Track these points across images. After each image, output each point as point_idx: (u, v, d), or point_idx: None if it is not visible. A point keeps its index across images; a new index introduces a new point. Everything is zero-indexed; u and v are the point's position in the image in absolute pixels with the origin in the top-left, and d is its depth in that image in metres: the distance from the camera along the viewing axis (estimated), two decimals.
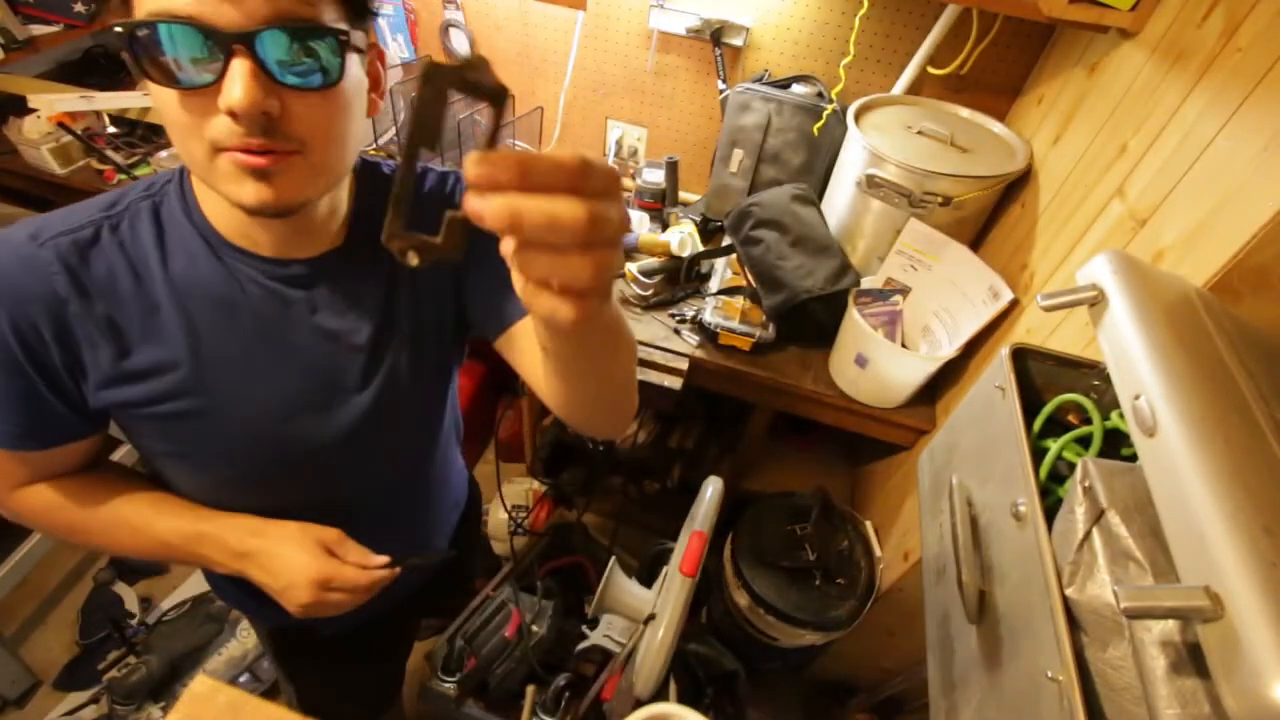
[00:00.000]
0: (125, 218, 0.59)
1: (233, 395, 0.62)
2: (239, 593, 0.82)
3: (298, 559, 0.65)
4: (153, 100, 0.51)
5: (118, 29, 0.47)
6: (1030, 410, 0.65)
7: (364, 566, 0.67)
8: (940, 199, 1.18)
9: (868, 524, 1.46)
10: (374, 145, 1.70)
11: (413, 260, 0.35)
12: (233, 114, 0.47)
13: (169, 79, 0.47)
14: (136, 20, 0.46)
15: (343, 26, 0.51)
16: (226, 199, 0.53)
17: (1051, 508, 0.57)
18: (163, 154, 1.47)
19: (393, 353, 0.68)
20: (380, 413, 0.69)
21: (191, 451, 0.65)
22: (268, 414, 0.64)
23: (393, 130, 1.68)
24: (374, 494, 0.78)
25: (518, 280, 0.35)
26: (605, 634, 1.19)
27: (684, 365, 1.34)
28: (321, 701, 1.00)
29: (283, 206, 0.53)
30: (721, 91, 1.52)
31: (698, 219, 1.60)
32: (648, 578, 1.17)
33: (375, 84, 0.59)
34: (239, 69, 0.46)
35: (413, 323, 0.69)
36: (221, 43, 0.46)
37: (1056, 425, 0.66)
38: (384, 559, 0.69)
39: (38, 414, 0.60)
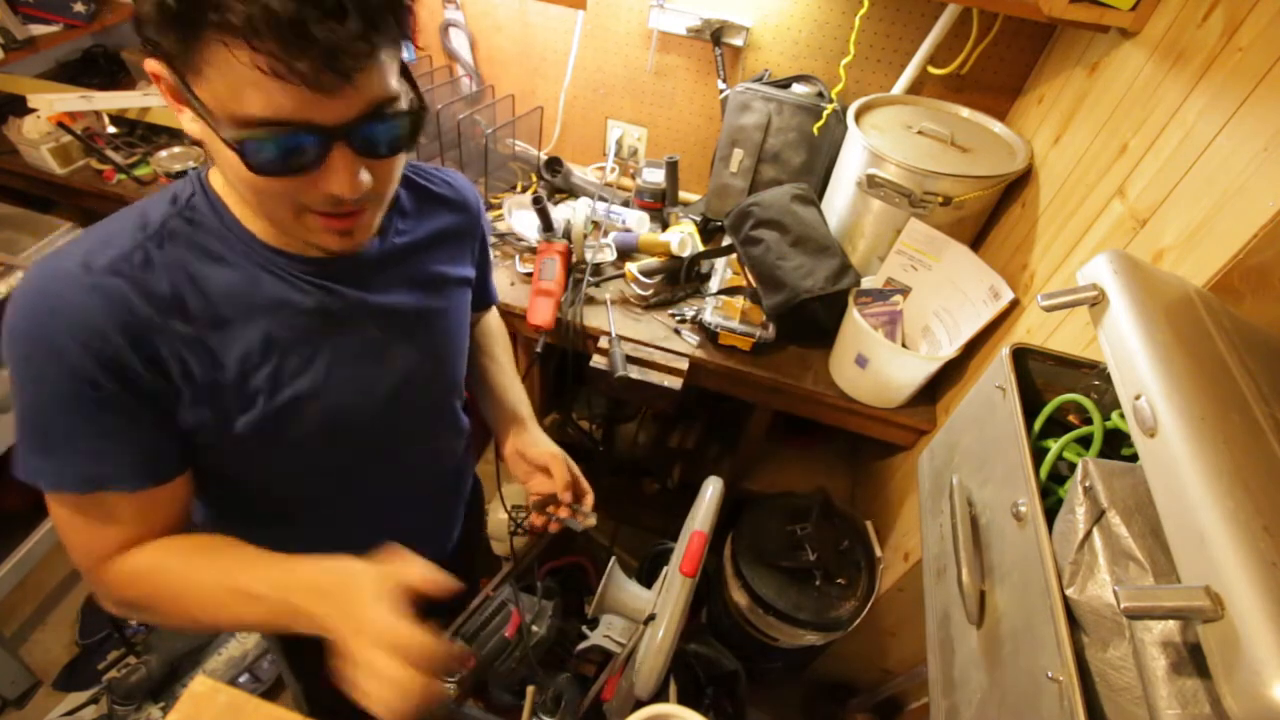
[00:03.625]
0: (164, 236, 0.58)
1: (315, 382, 0.65)
2: None
3: (372, 626, 0.54)
4: (232, 169, 0.51)
5: (226, 137, 0.48)
6: (1030, 410, 0.65)
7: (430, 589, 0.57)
8: (940, 199, 1.18)
9: (868, 524, 1.46)
10: None
11: None
12: (334, 198, 0.52)
13: (273, 170, 0.50)
14: (251, 133, 0.48)
15: (415, 102, 0.55)
16: (308, 244, 0.59)
17: (1052, 508, 0.57)
18: (162, 154, 1.47)
19: (434, 312, 0.76)
20: (432, 363, 0.77)
21: (279, 445, 0.66)
22: (349, 390, 0.68)
23: None
24: (421, 468, 0.86)
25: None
26: (605, 634, 1.19)
27: (684, 365, 1.34)
28: (329, 699, 0.99)
29: (360, 247, 0.60)
30: (721, 91, 1.52)
31: (698, 219, 1.60)
32: (648, 578, 1.17)
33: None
34: (341, 159, 0.51)
35: (442, 281, 0.76)
36: (325, 137, 0.50)
37: (1057, 425, 0.66)
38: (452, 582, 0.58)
39: (148, 447, 0.60)
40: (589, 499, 0.95)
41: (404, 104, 0.53)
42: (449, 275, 0.77)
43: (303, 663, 0.99)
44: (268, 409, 0.63)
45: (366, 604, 0.53)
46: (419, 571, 0.56)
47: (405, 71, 0.55)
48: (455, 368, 0.84)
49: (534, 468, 0.93)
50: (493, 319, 1.02)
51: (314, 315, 0.64)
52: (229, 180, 0.56)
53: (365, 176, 0.53)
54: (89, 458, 0.57)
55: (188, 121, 0.52)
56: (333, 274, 0.65)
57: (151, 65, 0.50)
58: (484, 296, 0.88)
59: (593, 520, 0.96)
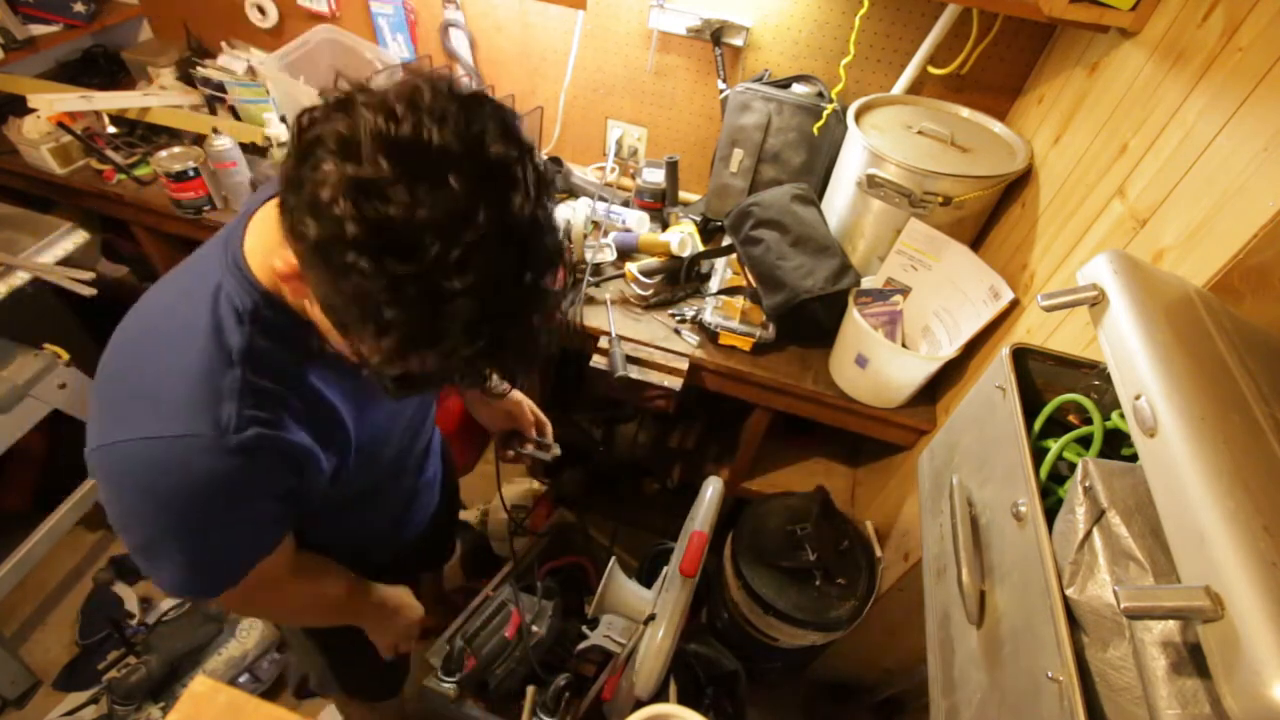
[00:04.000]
0: (254, 360, 0.60)
1: (371, 429, 0.76)
2: None
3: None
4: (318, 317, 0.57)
5: (373, 374, 0.55)
6: (1030, 410, 0.65)
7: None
8: (940, 199, 1.18)
9: (868, 524, 1.46)
10: None
11: None
12: None
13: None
14: (400, 379, 0.55)
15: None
16: None
17: (1052, 508, 0.57)
18: (162, 154, 1.47)
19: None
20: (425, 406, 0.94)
21: (355, 485, 0.78)
22: (386, 433, 0.83)
23: None
24: (421, 458, 1.00)
25: None
26: (605, 634, 1.19)
27: (684, 365, 1.34)
28: (355, 665, 1.12)
29: None
30: (721, 91, 1.52)
31: (698, 219, 1.60)
32: (648, 578, 1.17)
33: None
34: None
35: None
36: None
37: (1057, 425, 0.66)
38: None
39: (284, 520, 0.70)
40: (549, 429, 1.13)
41: None
42: None
43: (327, 638, 1.09)
44: (354, 466, 0.73)
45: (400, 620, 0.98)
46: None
47: None
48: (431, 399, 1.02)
49: (498, 412, 1.09)
50: None
51: (355, 374, 0.70)
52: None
53: None
54: (249, 554, 0.67)
55: (284, 266, 0.55)
56: None
57: (288, 269, 0.53)
58: None
59: (557, 450, 1.11)
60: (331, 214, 0.45)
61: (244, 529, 0.65)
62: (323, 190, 0.45)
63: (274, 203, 0.57)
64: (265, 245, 0.60)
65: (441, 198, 0.45)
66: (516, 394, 1.10)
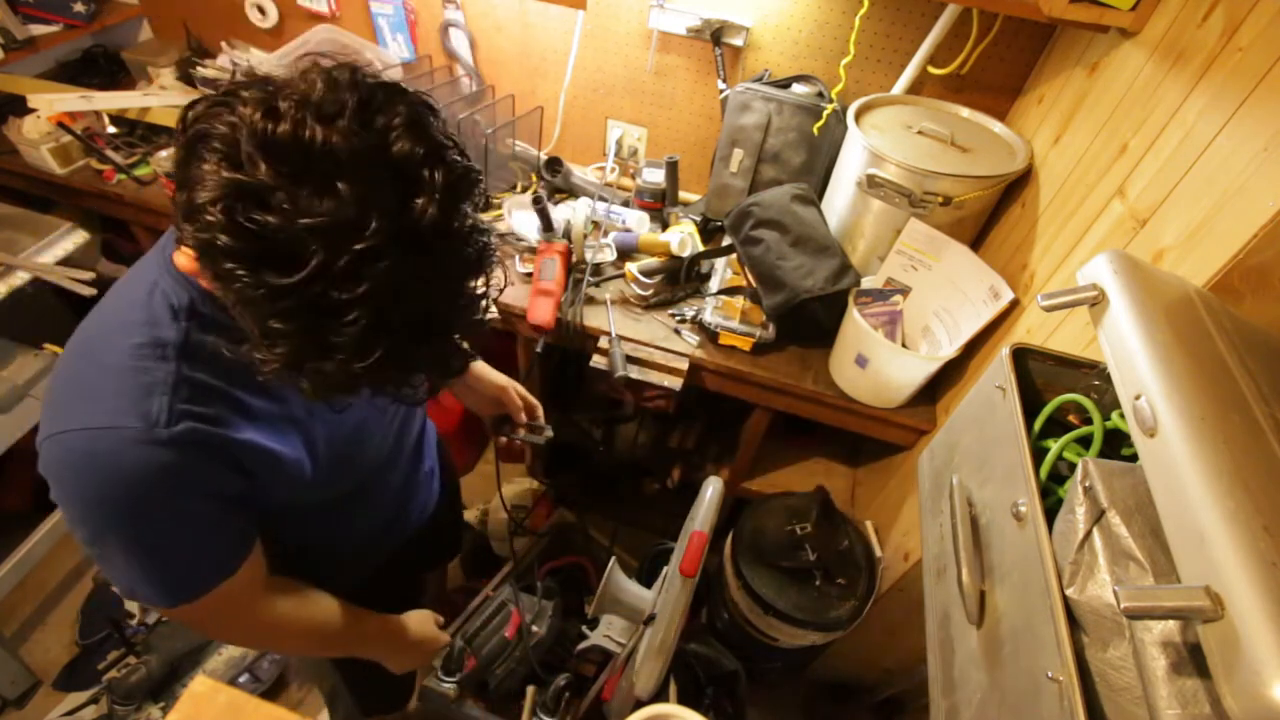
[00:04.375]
0: (190, 356, 0.58)
1: (345, 434, 0.74)
2: None
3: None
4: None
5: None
6: (1030, 410, 0.65)
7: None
8: (940, 199, 1.18)
9: (868, 524, 1.46)
10: None
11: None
12: None
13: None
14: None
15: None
16: None
17: (1052, 508, 0.57)
18: (162, 154, 1.47)
19: None
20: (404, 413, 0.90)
21: (336, 487, 0.77)
22: (363, 431, 0.79)
23: None
24: (415, 452, 0.99)
25: None
26: (605, 634, 1.19)
27: (684, 365, 1.34)
28: (370, 682, 1.09)
29: None
30: (721, 91, 1.52)
31: (698, 219, 1.60)
32: (648, 578, 1.17)
33: None
34: None
35: None
36: None
37: (1057, 425, 0.66)
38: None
39: (243, 529, 0.67)
40: (539, 411, 1.11)
41: None
42: None
43: (339, 660, 1.09)
44: (323, 466, 0.70)
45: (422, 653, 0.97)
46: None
47: None
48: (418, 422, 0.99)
49: (485, 398, 1.07)
50: None
51: None
52: None
53: None
54: (200, 564, 0.63)
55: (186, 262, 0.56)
56: None
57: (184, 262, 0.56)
58: None
59: (549, 432, 1.10)
60: (206, 219, 0.43)
61: (184, 532, 0.61)
62: (199, 193, 0.43)
63: None
64: None
65: (327, 204, 0.42)
66: (501, 379, 1.07)
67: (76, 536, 0.61)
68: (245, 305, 0.46)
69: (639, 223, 1.56)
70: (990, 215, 1.29)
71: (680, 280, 1.46)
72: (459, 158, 0.50)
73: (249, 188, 0.42)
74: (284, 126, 0.42)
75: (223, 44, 1.79)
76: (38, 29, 1.71)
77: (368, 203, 0.43)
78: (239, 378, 0.59)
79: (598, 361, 1.33)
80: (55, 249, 1.42)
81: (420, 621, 0.98)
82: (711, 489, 1.17)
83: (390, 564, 1.01)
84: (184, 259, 0.58)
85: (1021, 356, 0.69)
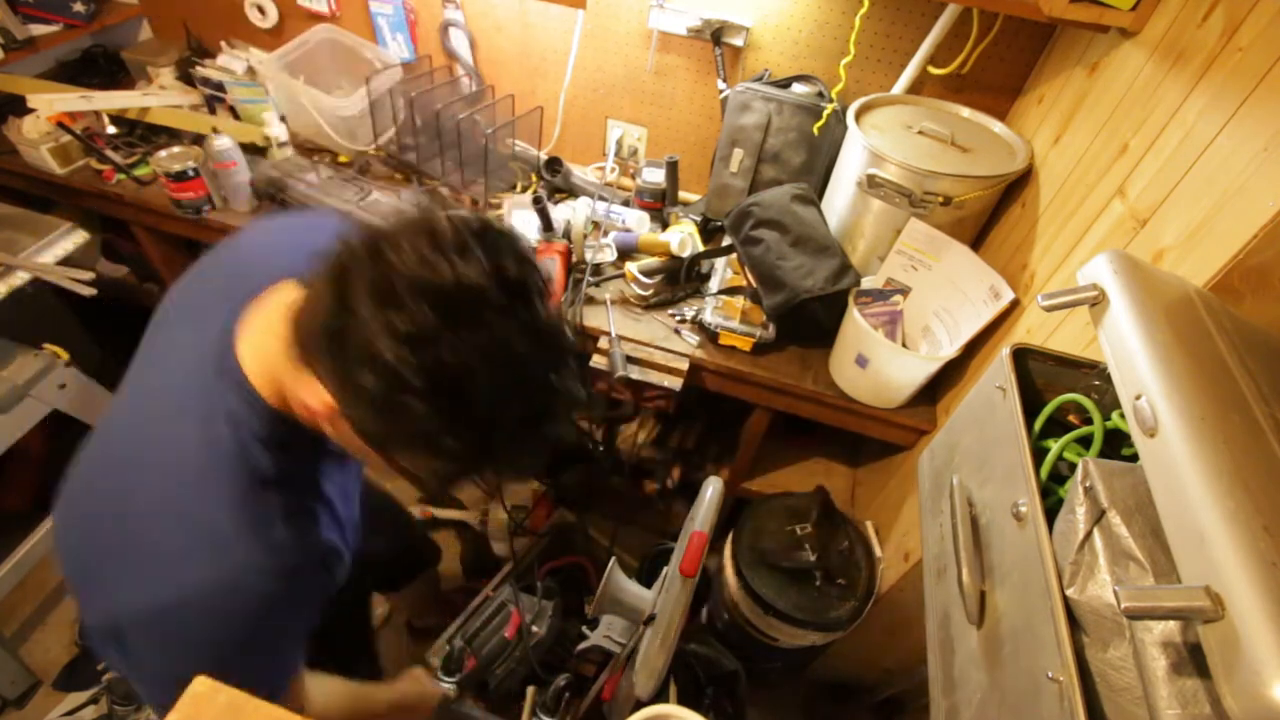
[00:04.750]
0: (280, 479, 0.61)
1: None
2: None
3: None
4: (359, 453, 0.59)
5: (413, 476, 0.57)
6: (1031, 410, 0.65)
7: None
8: (941, 199, 1.18)
9: (868, 524, 1.46)
10: (374, 145, 1.70)
11: None
12: None
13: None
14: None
15: None
16: None
17: (1052, 508, 0.57)
18: (162, 154, 1.47)
19: None
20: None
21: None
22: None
23: (392, 130, 1.68)
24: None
25: None
26: (605, 634, 1.19)
27: (684, 365, 1.34)
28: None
29: None
30: (721, 91, 1.52)
31: (698, 219, 1.60)
32: (648, 578, 1.17)
33: None
34: None
35: None
36: None
37: (1057, 425, 0.66)
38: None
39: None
40: None
41: None
42: None
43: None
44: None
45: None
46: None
47: None
48: None
49: None
50: None
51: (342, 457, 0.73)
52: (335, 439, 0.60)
53: None
54: (295, 663, 0.67)
55: (326, 425, 0.58)
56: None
57: (321, 406, 0.55)
58: None
59: None
60: (388, 364, 0.46)
61: (290, 643, 0.66)
62: (377, 342, 0.46)
63: (268, 314, 0.59)
64: (266, 362, 0.59)
65: (484, 336, 0.48)
66: None
67: (166, 691, 0.58)
68: (414, 433, 0.51)
69: (639, 223, 1.56)
70: (990, 215, 1.29)
71: (680, 280, 1.46)
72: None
73: (422, 333, 0.47)
74: (441, 272, 0.47)
75: (222, 44, 1.79)
76: (38, 29, 1.71)
77: (510, 327, 0.49)
78: (312, 488, 0.65)
79: (598, 361, 1.33)
80: (55, 249, 1.42)
81: (416, 678, 1.02)
82: (711, 489, 1.17)
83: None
84: (260, 378, 0.59)
85: (1022, 356, 0.69)
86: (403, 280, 0.46)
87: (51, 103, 1.51)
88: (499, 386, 0.49)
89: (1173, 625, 0.42)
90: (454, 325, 0.47)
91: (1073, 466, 0.57)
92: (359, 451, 0.58)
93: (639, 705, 0.95)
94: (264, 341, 0.59)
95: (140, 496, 0.58)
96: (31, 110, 1.51)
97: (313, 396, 0.54)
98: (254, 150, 1.61)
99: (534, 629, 1.29)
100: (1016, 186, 1.23)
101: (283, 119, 1.64)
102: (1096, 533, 0.50)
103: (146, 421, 0.62)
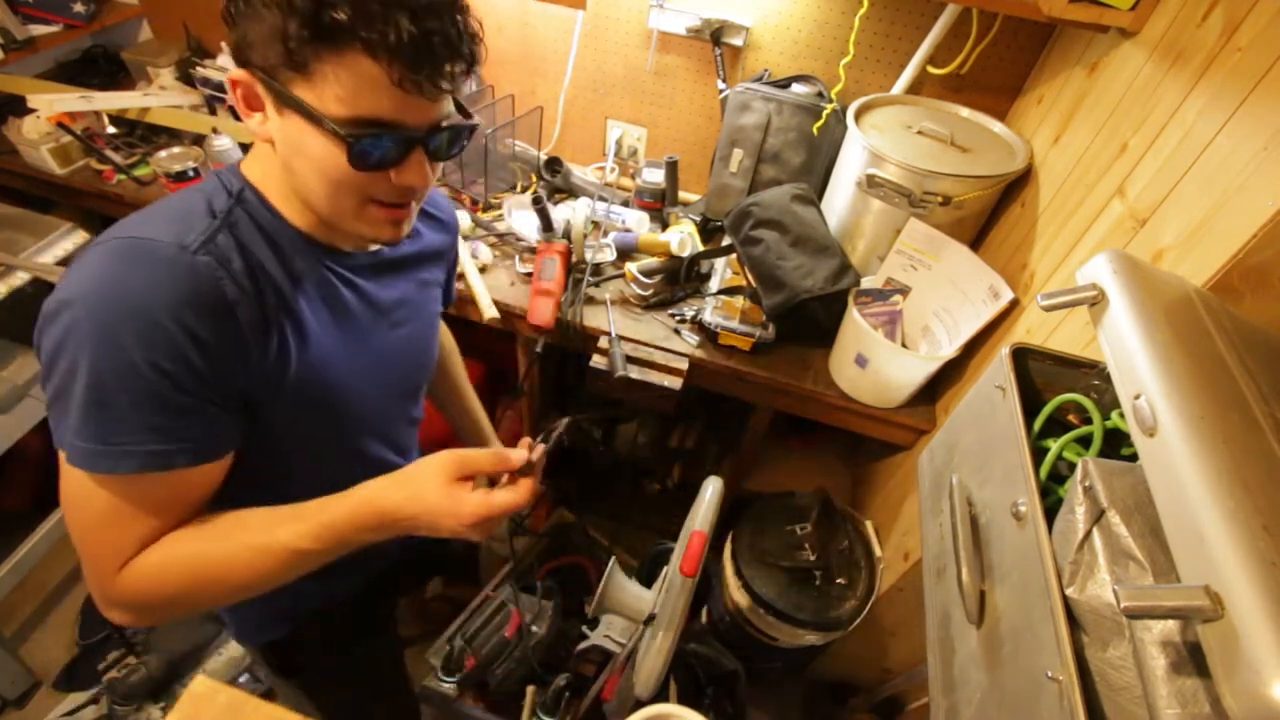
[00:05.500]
0: (231, 223, 0.62)
1: (335, 357, 0.72)
2: (229, 614, 0.95)
3: (445, 513, 0.61)
4: (322, 162, 0.59)
5: (331, 127, 0.56)
6: (1030, 410, 0.65)
7: (502, 470, 0.65)
8: (940, 199, 1.18)
9: (868, 524, 1.46)
10: None
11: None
12: (408, 188, 0.63)
13: (369, 164, 0.59)
14: (362, 131, 0.56)
15: (466, 119, 0.66)
16: (356, 235, 0.68)
17: (1052, 508, 0.57)
18: (162, 154, 1.47)
19: (421, 308, 0.86)
20: (413, 348, 0.87)
21: (323, 414, 0.73)
22: (356, 366, 0.76)
23: None
24: (406, 437, 0.93)
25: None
26: (605, 634, 1.19)
27: (684, 365, 1.34)
28: (337, 697, 1.04)
29: (401, 239, 0.68)
30: (721, 91, 1.52)
31: (698, 219, 1.60)
32: (648, 578, 1.17)
33: None
34: (418, 158, 0.61)
35: (426, 284, 0.87)
36: (412, 138, 0.60)
37: (1057, 425, 0.66)
38: (520, 453, 0.66)
39: (212, 424, 0.61)
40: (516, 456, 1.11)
41: (465, 124, 0.66)
42: (431, 280, 0.89)
43: (299, 671, 1.00)
44: (296, 381, 0.67)
45: (441, 497, 0.62)
46: (465, 460, 0.64)
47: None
48: (429, 354, 0.94)
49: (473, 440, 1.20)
50: (446, 332, 1.13)
51: (339, 302, 0.72)
52: (304, 172, 0.61)
53: (429, 173, 0.63)
54: (158, 437, 0.57)
55: (256, 124, 0.60)
56: (355, 269, 0.74)
57: (237, 74, 0.58)
58: (448, 295, 1.01)
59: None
60: None
61: (162, 386, 0.55)
62: None
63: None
64: (258, 161, 0.66)
65: None
66: (491, 438, 1.22)
67: (44, 353, 0.58)
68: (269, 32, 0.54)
69: (639, 223, 1.56)
70: (990, 215, 1.29)
71: (680, 280, 1.46)
72: None
73: None
74: None
75: (222, 44, 1.79)
76: (38, 29, 1.71)
77: None
78: (263, 275, 0.63)
79: (598, 361, 1.33)
80: (55, 249, 1.42)
81: (410, 488, 0.63)
82: (711, 489, 1.17)
83: (370, 585, 0.99)
84: (250, 169, 0.66)
85: (1021, 356, 0.69)
86: None
87: (51, 103, 1.51)
88: None
89: (1172, 625, 0.42)
90: None
91: (1072, 466, 0.57)
92: (283, 135, 0.59)
93: (639, 705, 0.95)
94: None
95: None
96: (31, 110, 1.51)
97: (250, 97, 0.59)
98: None
99: (534, 629, 1.29)
100: (1016, 186, 1.23)
101: None
102: (1096, 532, 0.50)
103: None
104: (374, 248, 0.76)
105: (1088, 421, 0.63)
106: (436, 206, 0.90)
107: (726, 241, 1.46)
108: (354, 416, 0.78)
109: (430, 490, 0.62)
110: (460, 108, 0.67)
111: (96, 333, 0.54)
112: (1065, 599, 0.49)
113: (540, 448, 0.68)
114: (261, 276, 0.63)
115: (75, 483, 0.58)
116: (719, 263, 1.49)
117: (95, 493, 0.58)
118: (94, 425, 0.56)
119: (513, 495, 0.64)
